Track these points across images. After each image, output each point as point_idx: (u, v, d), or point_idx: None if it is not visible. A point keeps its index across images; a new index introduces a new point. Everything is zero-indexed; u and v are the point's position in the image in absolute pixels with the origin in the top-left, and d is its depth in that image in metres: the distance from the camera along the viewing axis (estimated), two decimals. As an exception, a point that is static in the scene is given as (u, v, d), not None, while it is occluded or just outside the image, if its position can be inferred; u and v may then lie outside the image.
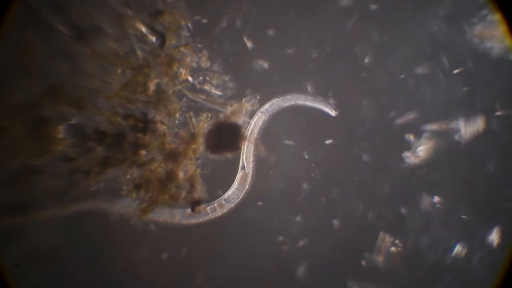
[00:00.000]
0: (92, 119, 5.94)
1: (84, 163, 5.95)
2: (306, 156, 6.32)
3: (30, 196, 5.91)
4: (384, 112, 6.27)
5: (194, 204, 6.18)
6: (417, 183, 6.25)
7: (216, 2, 6.10)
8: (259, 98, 6.14)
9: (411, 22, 6.17)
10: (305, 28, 6.20)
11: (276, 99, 6.24)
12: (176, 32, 5.98)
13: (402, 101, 6.25)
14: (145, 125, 5.99)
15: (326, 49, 6.23)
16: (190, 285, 6.32)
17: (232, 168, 6.28)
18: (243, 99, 6.15)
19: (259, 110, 6.24)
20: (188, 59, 6.02)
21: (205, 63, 6.05)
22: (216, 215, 6.30)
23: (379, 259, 6.26)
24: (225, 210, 6.31)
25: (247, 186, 6.29)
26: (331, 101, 6.21)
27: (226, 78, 6.10)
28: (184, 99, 6.07)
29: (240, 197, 6.31)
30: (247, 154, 6.25)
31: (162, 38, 5.96)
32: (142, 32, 5.90)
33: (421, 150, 6.15)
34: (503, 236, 6.13)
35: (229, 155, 6.21)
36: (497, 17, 5.88)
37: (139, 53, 5.92)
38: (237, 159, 6.26)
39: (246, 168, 6.26)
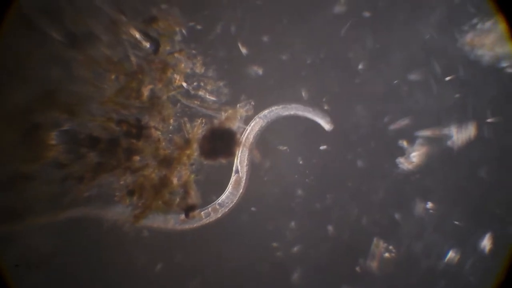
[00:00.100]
0: (85, 125, 5.90)
1: (77, 169, 5.91)
2: (301, 162, 6.35)
3: (23, 202, 5.86)
4: (378, 118, 6.31)
5: (188, 210, 6.16)
6: (411, 189, 6.29)
7: (210, 9, 6.12)
8: (253, 104, 6.16)
9: (404, 30, 6.23)
10: (300, 35, 6.24)
11: (276, 107, 6.26)
12: (170, 38, 5.99)
13: (395, 107, 6.29)
14: (139, 130, 5.96)
15: (320, 55, 6.27)
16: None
17: (226, 173, 6.26)
18: (238, 105, 6.15)
19: (257, 115, 6.26)
20: (183, 65, 6.02)
21: (199, 69, 6.05)
22: (211, 220, 6.28)
23: (373, 265, 6.27)
24: (219, 215, 6.29)
25: (241, 190, 6.28)
26: (328, 117, 6.27)
27: (221, 84, 6.10)
28: (179, 104, 6.06)
29: (234, 202, 6.30)
30: (241, 158, 6.25)
31: (156, 44, 5.95)
32: (136, 38, 5.90)
33: (414, 156, 6.19)
34: (495, 242, 6.17)
35: (223, 160, 6.20)
36: (489, 24, 5.97)
37: (133, 59, 5.91)
38: (231, 165, 6.25)
39: (240, 172, 6.25)
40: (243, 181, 6.27)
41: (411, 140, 6.21)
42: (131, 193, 6.02)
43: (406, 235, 6.26)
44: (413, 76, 6.21)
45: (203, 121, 6.10)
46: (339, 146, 6.33)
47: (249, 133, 6.25)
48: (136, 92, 5.94)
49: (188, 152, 6.07)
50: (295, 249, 6.35)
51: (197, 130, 6.08)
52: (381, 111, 6.29)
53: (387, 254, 6.25)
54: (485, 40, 6.04)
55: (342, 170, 6.34)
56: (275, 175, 6.35)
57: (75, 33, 5.79)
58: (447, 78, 6.20)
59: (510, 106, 6.17)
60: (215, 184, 6.27)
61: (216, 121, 6.14)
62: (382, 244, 6.26)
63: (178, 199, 6.11)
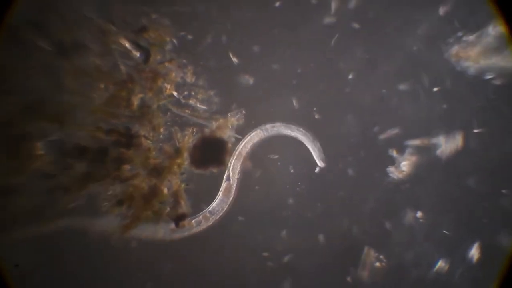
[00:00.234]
0: (74, 134, 5.84)
1: (64, 179, 5.83)
2: (292, 171, 6.35)
3: (8, 214, 5.76)
4: (368, 127, 6.35)
5: (178, 219, 6.09)
6: (401, 198, 6.32)
7: (201, 19, 6.14)
8: (244, 113, 6.17)
9: (392, 42, 6.32)
10: (290, 45, 6.28)
11: (280, 123, 6.28)
12: (161, 48, 5.98)
13: (385, 116, 6.35)
14: (129, 139, 5.91)
15: (311, 64, 6.32)
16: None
17: (217, 183, 6.24)
18: (229, 114, 6.15)
19: (259, 126, 6.28)
20: (173, 74, 6.01)
21: (190, 78, 6.05)
22: (201, 228, 6.22)
23: (364, 274, 6.26)
24: (210, 223, 6.25)
25: (231, 197, 6.25)
26: (323, 155, 6.31)
27: (212, 93, 6.09)
28: (169, 113, 6.04)
29: (225, 209, 6.27)
30: (234, 165, 6.24)
31: (146, 53, 5.94)
32: (126, 48, 5.89)
33: (404, 165, 6.25)
34: (483, 252, 6.21)
35: (214, 170, 6.18)
36: (473, 37, 6.09)
37: (123, 68, 5.89)
38: (222, 174, 6.23)
39: (231, 179, 6.22)
40: (234, 188, 6.25)
41: (401, 150, 6.26)
42: (120, 203, 5.94)
43: (397, 244, 6.28)
44: (402, 87, 6.29)
45: (194, 130, 6.08)
46: (330, 154, 6.35)
47: (247, 142, 6.26)
48: (126, 101, 5.90)
49: (178, 161, 6.03)
50: (286, 258, 6.33)
51: (188, 139, 6.06)
52: (371, 121, 6.34)
53: (377, 264, 6.25)
54: (470, 53, 6.14)
55: (333, 179, 6.37)
56: (266, 184, 6.34)
57: (64, 43, 5.75)
58: (435, 89, 6.29)
59: (495, 117, 6.27)
60: (205, 194, 6.24)
61: (207, 130, 6.13)
62: (373, 254, 6.25)
63: (168, 209, 6.06)
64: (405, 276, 6.26)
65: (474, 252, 6.23)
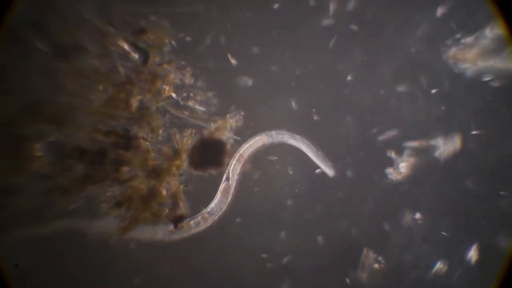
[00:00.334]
0: (72, 136, 5.84)
1: (63, 181, 5.83)
2: (291, 172, 6.36)
3: (8, 214, 5.75)
4: (367, 129, 6.36)
5: (177, 220, 6.09)
6: (400, 200, 6.32)
7: (200, 21, 6.15)
8: (243, 114, 6.18)
9: (390, 43, 6.34)
10: (289, 46, 6.30)
11: (287, 132, 6.29)
12: (159, 50, 5.99)
13: (383, 118, 6.36)
14: (127, 141, 5.92)
15: (309, 66, 6.34)
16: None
17: (215, 184, 6.25)
18: (227, 116, 6.16)
19: (265, 132, 6.28)
20: (172, 75, 6.02)
21: (189, 80, 6.06)
22: (200, 229, 6.23)
23: (363, 276, 6.26)
24: (208, 223, 6.25)
25: (230, 198, 6.25)
26: (329, 163, 6.33)
27: (210, 94, 6.10)
28: (168, 115, 6.04)
29: (224, 209, 6.27)
30: (234, 167, 6.24)
31: (145, 55, 5.95)
32: (124, 50, 5.89)
33: (403, 167, 6.26)
34: (481, 254, 6.22)
35: (212, 171, 6.18)
36: (471, 39, 6.11)
37: (121, 70, 5.90)
38: (220, 175, 6.23)
39: (230, 180, 6.23)
40: (232, 189, 6.25)
41: (399, 151, 6.28)
42: (119, 204, 5.94)
43: (395, 246, 6.28)
44: (401, 88, 6.31)
45: (193, 131, 6.09)
46: (329, 156, 6.36)
47: (250, 145, 6.28)
48: (125, 103, 5.91)
49: (177, 162, 6.04)
50: (285, 260, 6.33)
51: (187, 140, 6.06)
52: (370, 122, 6.36)
53: (376, 265, 6.26)
54: (468, 55, 6.16)
55: (331, 180, 6.38)
56: (265, 185, 6.35)
57: (63, 44, 5.76)
58: (433, 91, 6.31)
59: (493, 119, 6.29)
60: (204, 195, 6.25)
61: (205, 132, 6.14)
62: (371, 255, 6.26)
63: (167, 210, 6.06)
64: (403, 278, 6.27)
65: (473, 254, 6.23)
